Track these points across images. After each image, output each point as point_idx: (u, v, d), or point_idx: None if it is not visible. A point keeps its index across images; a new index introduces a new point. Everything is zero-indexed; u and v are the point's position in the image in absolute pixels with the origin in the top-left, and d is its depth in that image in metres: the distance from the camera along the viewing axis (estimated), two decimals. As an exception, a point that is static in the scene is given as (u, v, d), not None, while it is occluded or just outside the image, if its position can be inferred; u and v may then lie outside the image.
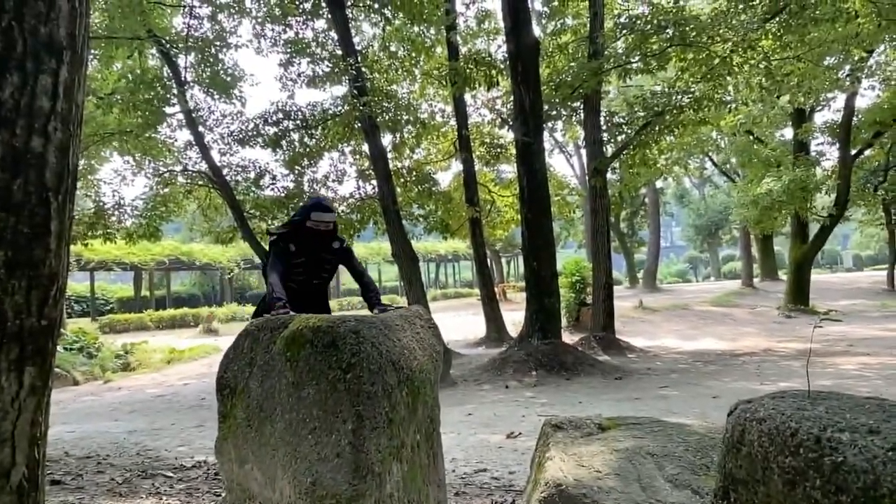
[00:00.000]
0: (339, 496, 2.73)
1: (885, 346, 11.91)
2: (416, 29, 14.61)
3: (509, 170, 19.71)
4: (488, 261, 21.32)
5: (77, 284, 29.73)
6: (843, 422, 1.33)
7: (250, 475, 3.24)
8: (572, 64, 13.20)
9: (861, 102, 20.03)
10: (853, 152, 19.06)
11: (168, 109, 12.97)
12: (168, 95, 12.66)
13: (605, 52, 12.31)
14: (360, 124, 12.54)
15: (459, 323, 20.20)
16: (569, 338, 13.30)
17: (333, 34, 13.38)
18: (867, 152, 20.99)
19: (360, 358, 2.92)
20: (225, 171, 13.31)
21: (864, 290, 24.86)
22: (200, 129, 13.08)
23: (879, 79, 18.41)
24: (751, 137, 21.78)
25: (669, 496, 2.87)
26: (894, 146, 21.78)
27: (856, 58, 15.69)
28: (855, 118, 18.62)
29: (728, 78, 12.28)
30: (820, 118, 22.75)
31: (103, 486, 4.03)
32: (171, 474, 4.38)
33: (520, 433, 5.80)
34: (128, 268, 27.01)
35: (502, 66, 12.01)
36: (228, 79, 13.05)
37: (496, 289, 19.85)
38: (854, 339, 13.16)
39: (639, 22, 11.48)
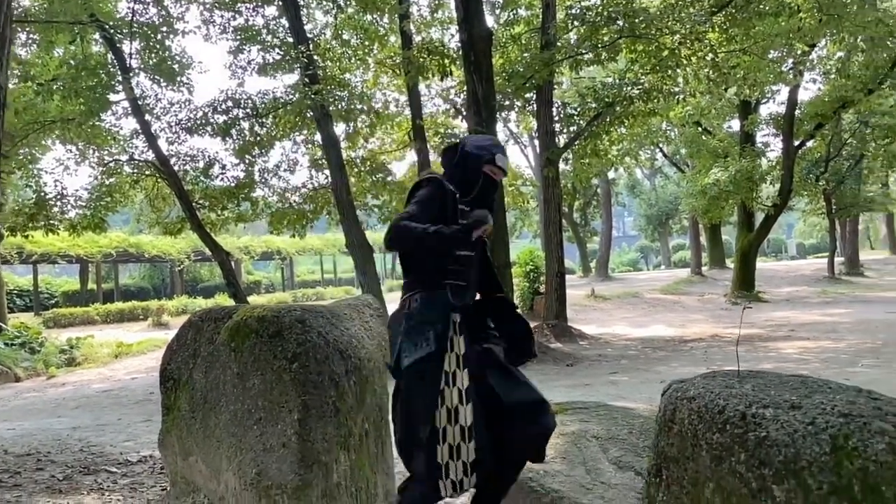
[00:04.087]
0: (284, 486, 2.71)
1: (824, 330, 12.36)
2: (368, 17, 14.48)
3: (464, 160, 19.69)
4: (443, 251, 21.29)
5: (19, 278, 28.74)
6: (767, 398, 1.38)
7: (195, 467, 3.19)
8: (525, 54, 13.27)
9: (804, 95, 20.66)
10: (796, 143, 19.64)
11: (113, 97, 12.59)
12: (112, 82, 12.28)
13: (558, 44, 12.41)
14: (311, 113, 12.39)
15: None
16: (522, 326, 13.42)
17: (285, 21, 13.18)
18: (809, 143, 21.67)
19: (307, 347, 2.89)
20: (173, 161, 13.00)
21: (806, 278, 25.71)
22: (147, 117, 12.73)
23: (820, 72, 19.02)
24: (699, 129, 22.25)
25: (613, 478, 2.93)
26: (834, 138, 22.54)
27: (798, 52, 16.15)
28: (798, 110, 19.18)
29: (677, 70, 12.51)
30: (765, 110, 23.40)
31: (42, 483, 3.92)
32: (114, 469, 4.29)
33: (472, 421, 5.83)
34: (73, 260, 26.18)
35: (455, 56, 11.99)
36: (176, 66, 12.72)
37: (451, 279, 19.80)
38: (796, 324, 13.62)
39: (589, 13, 11.60)
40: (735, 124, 23.66)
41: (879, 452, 1.21)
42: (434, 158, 17.45)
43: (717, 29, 12.36)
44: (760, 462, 1.29)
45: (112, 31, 12.18)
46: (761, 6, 12.03)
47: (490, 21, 13.90)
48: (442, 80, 13.36)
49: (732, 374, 1.57)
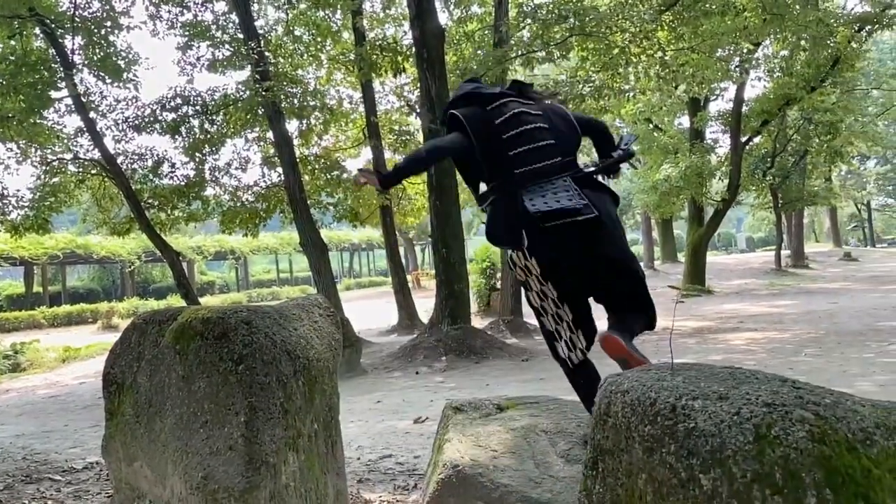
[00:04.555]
0: (231, 489, 2.67)
1: (771, 321, 12.72)
2: (321, 13, 14.35)
3: (419, 157, 19.69)
4: (402, 249, 21.31)
5: (-41, 282, 27.71)
6: (696, 390, 1.42)
7: (140, 473, 3.12)
8: (478, 52, 13.32)
9: (750, 93, 21.26)
10: (743, 140, 20.15)
11: (55, 94, 12.21)
12: (54, 79, 11.91)
13: (511, 41, 12.49)
14: (263, 110, 12.23)
15: (372, 312, 20.14)
16: (480, 322, 13.50)
17: (235, 17, 12.97)
18: (756, 140, 22.26)
19: (253, 349, 2.86)
20: (120, 160, 12.69)
21: (755, 270, 26.42)
22: (92, 114, 12.40)
23: (765, 70, 19.54)
24: (650, 125, 22.66)
25: (561, 471, 2.97)
26: (780, 134, 23.21)
27: (744, 50, 16.55)
28: (744, 107, 19.68)
29: (627, 68, 12.71)
30: (714, 107, 23.97)
31: (-18, 494, 3.79)
32: (58, 477, 4.17)
33: (427, 418, 5.85)
34: (17, 263, 25.34)
35: (408, 53, 11.98)
36: (121, 62, 12.41)
37: (409, 277, 19.82)
38: (744, 316, 13.99)
39: (541, 11, 11.70)
40: (685, 121, 24.18)
41: (800, 440, 1.26)
42: (389, 156, 17.41)
43: (665, 27, 12.60)
44: (689, 452, 1.33)
45: (53, 25, 11.81)
46: (708, 5, 12.30)
47: (443, 18, 13.92)
48: (395, 77, 13.34)
49: (666, 367, 1.61)
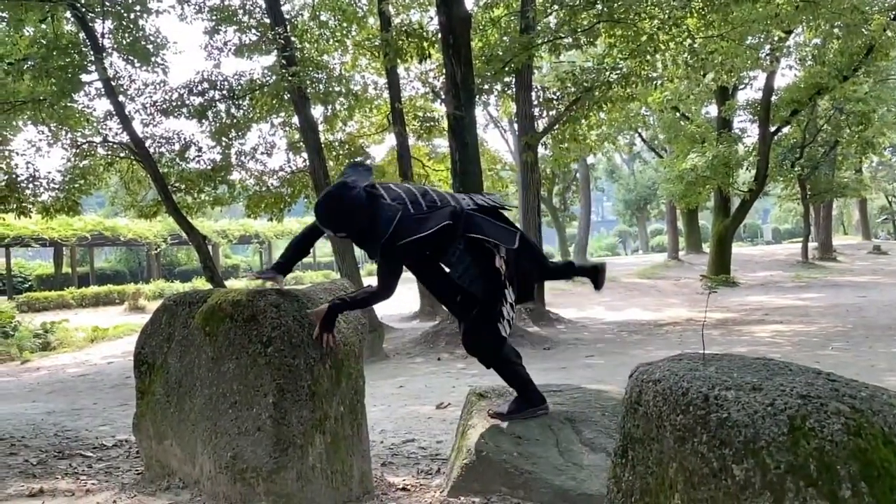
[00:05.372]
0: (259, 469, 2.72)
1: (797, 314, 12.57)
2: (346, -2, 14.34)
3: (444, 144, 19.68)
4: (423, 235, 21.28)
5: (-9, 261, 28.23)
6: (729, 380, 1.41)
7: (170, 451, 3.19)
8: (504, 38, 13.22)
9: (780, 81, 20.83)
10: (772, 130, 19.83)
11: (85, 77, 12.34)
12: (85, 62, 12.03)
13: (537, 27, 12.38)
14: (289, 95, 12.27)
15: (394, 298, 20.14)
16: (501, 310, 13.48)
17: (261, 2, 13.00)
18: (785, 130, 21.89)
19: (282, 332, 2.90)
20: (148, 143, 12.81)
21: (780, 262, 26.07)
22: (121, 98, 12.51)
23: (796, 59, 19.17)
24: (677, 114, 22.36)
25: (585, 459, 2.97)
26: (810, 124, 22.78)
27: (775, 38, 16.25)
28: (774, 97, 19.35)
29: (655, 55, 12.54)
30: (742, 96, 23.52)
31: (16, 468, 3.89)
32: (90, 454, 4.27)
33: (449, 403, 5.88)
34: (47, 244, 25.79)
35: (434, 39, 11.93)
36: (150, 46, 12.50)
37: (430, 263, 19.73)
38: (770, 308, 13.84)
39: (568, -3, 11.59)
40: (713, 110, 23.81)
41: (835, 433, 1.25)
42: (413, 142, 17.39)
43: (695, 14, 12.41)
44: (721, 442, 1.33)
45: (83, 9, 11.91)
46: (739, -8, 12.08)
47: (469, 3, 13.81)
48: (420, 62, 13.28)
49: (697, 357, 1.60)
